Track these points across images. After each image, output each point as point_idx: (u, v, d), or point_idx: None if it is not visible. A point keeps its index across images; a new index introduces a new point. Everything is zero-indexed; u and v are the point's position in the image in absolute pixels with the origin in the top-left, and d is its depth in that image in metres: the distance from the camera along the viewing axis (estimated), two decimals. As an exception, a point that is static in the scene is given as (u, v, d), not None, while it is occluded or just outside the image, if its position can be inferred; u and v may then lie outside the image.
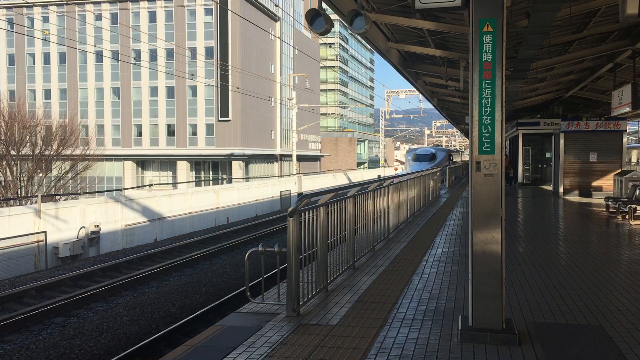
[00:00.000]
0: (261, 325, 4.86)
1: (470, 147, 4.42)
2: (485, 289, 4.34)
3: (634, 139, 56.55)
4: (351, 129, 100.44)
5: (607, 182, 18.93)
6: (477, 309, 4.39)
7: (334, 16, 14.85)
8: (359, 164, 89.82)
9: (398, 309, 5.30)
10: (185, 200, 24.58)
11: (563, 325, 4.82)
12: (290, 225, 5.00)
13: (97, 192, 39.67)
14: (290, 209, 4.97)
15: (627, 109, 14.60)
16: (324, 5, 7.61)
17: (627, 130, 20.15)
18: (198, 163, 56.92)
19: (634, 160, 39.59)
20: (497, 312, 4.34)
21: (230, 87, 51.63)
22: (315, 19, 7.23)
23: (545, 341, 4.38)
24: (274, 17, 62.02)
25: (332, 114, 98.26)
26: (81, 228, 18.62)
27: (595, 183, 19.39)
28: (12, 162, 30.36)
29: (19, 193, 29.63)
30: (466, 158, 52.13)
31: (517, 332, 4.34)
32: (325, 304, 5.48)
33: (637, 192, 12.67)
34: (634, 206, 11.87)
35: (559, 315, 5.10)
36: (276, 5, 60.02)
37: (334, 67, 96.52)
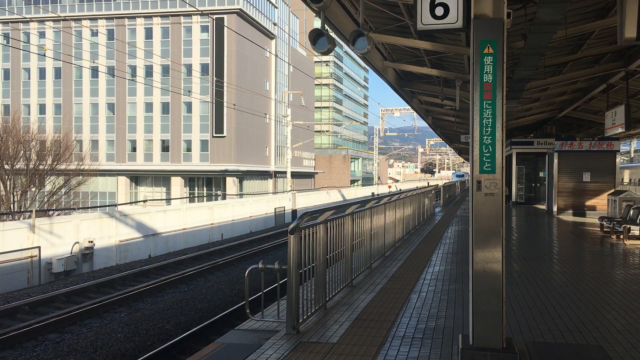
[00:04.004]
0: (261, 343, 4.85)
1: (471, 166, 4.45)
2: (486, 308, 4.35)
3: (627, 159, 56.96)
4: (345, 146, 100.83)
5: (600, 202, 19.06)
6: (477, 327, 4.39)
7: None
8: (352, 181, 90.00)
9: (397, 328, 5.31)
10: (179, 216, 24.51)
11: (563, 344, 4.84)
12: (291, 242, 5.01)
13: (91, 207, 39.47)
14: (291, 226, 4.98)
15: (620, 130, 14.75)
16: (326, 26, 7.69)
17: (620, 151, 20.32)
18: (192, 179, 56.86)
19: (626, 180, 39.84)
20: (497, 331, 4.35)
21: (225, 104, 51.77)
22: (318, 39, 7.31)
23: (545, 360, 4.39)
24: (269, 35, 62.45)
25: (326, 131, 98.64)
26: (75, 243, 18.50)
27: (589, 202, 19.50)
28: (6, 177, 30.24)
29: (12, 208, 29.46)
30: None
31: (517, 352, 4.34)
32: (325, 322, 5.47)
33: (631, 212, 12.76)
34: (628, 226, 11.96)
35: (558, 334, 5.12)
36: (274, 24, 60.46)
37: (328, 84, 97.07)
